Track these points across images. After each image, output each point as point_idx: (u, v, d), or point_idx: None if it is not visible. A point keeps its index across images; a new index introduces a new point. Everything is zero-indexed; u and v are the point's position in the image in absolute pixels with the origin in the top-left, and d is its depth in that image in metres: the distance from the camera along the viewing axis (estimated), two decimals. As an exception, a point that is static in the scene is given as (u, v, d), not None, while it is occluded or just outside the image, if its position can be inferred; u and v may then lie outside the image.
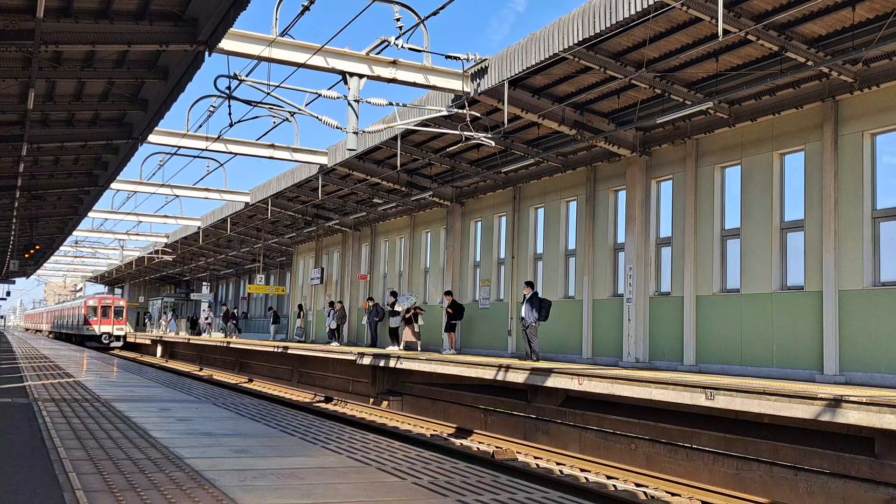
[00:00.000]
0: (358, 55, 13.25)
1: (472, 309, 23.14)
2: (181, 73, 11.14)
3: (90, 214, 27.21)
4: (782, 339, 14.20)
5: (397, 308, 24.77)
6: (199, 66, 10.68)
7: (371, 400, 21.67)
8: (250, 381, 29.80)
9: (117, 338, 53.31)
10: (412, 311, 23.68)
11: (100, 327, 52.34)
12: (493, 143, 16.73)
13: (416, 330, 23.34)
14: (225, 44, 11.71)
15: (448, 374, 17.66)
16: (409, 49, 13.13)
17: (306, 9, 10.44)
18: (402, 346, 23.55)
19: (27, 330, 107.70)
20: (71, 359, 23.77)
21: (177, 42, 9.90)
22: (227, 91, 13.79)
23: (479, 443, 14.75)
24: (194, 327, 49.40)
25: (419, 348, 23.07)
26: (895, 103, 12.71)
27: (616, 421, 13.78)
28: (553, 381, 14.29)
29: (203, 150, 18.19)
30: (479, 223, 23.71)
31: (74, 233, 32.63)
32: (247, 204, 27.85)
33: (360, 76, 13.15)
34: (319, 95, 13.82)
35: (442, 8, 10.62)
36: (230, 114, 14.47)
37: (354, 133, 13.18)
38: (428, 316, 24.50)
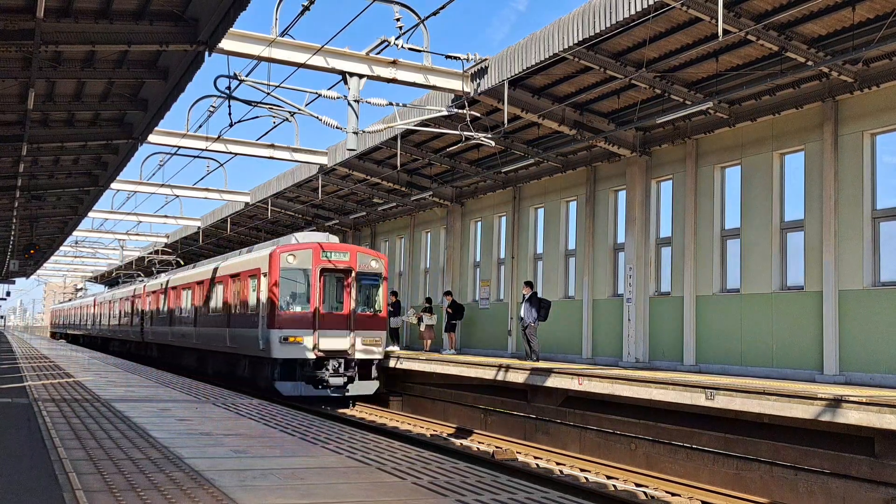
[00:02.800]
0: (358, 55, 13.25)
1: (472, 309, 23.13)
2: (181, 73, 11.12)
3: (90, 214, 27.16)
4: (782, 339, 14.20)
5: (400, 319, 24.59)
6: (199, 66, 10.67)
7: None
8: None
9: (366, 368, 19.77)
10: (418, 315, 23.53)
11: (317, 338, 19.00)
12: (493, 143, 16.73)
13: (422, 329, 23.26)
14: (225, 44, 11.71)
15: (448, 374, 17.67)
16: (409, 49, 13.13)
17: (306, 9, 10.44)
18: (403, 346, 23.46)
19: (54, 335, 72.04)
20: None
21: (177, 42, 9.89)
22: (227, 91, 13.80)
23: (479, 443, 14.75)
24: None
25: (427, 348, 22.94)
26: (895, 103, 12.71)
27: (616, 421, 13.77)
28: (553, 381, 14.30)
29: (203, 150, 18.16)
30: (479, 223, 23.71)
31: (74, 233, 32.58)
32: (247, 204, 27.83)
33: (360, 76, 13.15)
34: (319, 95, 13.82)
35: (442, 8, 10.61)
36: (230, 114, 14.48)
37: (354, 133, 13.19)
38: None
